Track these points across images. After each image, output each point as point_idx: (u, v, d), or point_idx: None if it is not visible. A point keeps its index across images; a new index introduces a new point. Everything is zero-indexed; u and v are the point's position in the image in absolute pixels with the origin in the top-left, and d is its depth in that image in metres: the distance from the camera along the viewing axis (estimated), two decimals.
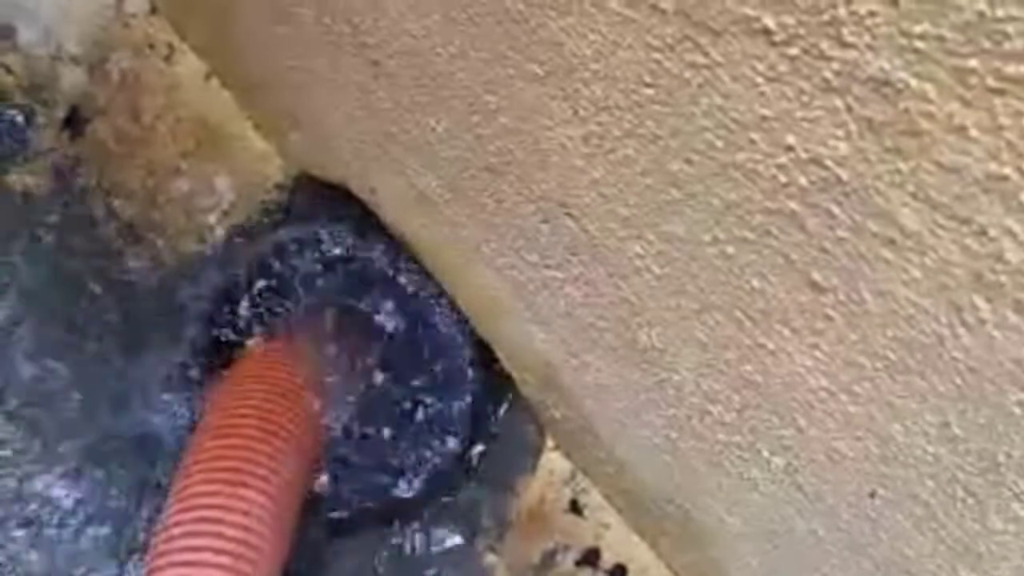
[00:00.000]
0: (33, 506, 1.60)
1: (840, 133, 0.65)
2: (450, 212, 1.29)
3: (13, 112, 1.69)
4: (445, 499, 1.66)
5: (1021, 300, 0.62)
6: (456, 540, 1.63)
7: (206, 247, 1.69)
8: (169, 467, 1.59)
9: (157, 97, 1.71)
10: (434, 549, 1.63)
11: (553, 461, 1.64)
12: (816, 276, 0.77)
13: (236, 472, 1.31)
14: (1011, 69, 0.52)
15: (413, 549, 1.63)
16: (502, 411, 1.68)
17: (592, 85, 0.84)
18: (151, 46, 1.71)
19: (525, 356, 1.42)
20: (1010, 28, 0.51)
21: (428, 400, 1.77)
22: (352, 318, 1.77)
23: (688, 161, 0.81)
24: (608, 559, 1.60)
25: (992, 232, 0.60)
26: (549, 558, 1.62)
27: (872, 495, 0.92)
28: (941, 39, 0.54)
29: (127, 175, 1.69)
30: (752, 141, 0.73)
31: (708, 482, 1.20)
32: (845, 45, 0.60)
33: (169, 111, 1.71)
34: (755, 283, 0.85)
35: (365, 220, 1.58)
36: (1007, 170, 0.56)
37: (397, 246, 1.52)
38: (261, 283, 1.71)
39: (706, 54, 0.70)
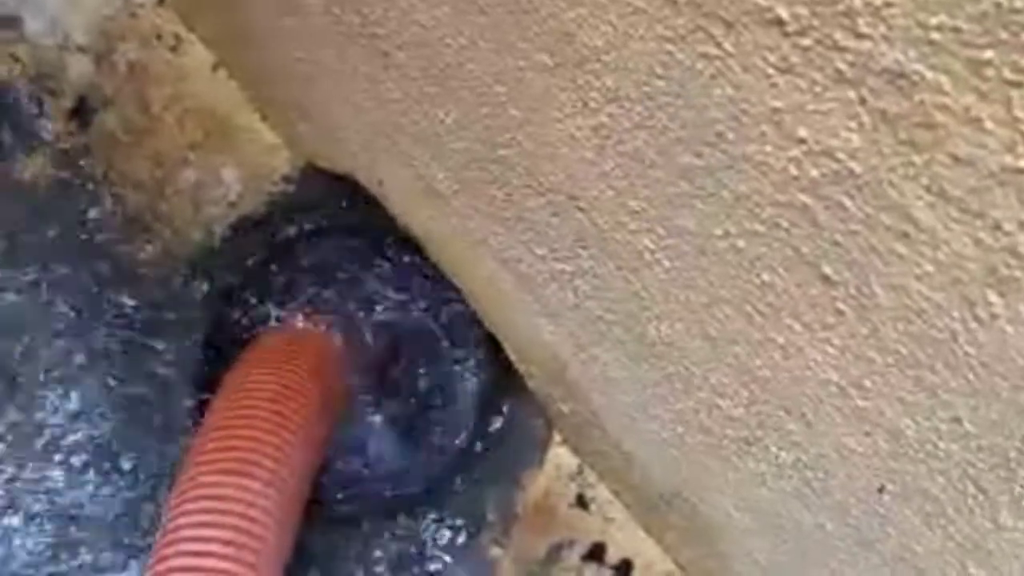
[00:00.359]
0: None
1: (853, 125, 0.65)
2: (458, 204, 1.28)
3: (21, 102, 1.69)
4: (451, 493, 1.66)
5: None
6: (461, 534, 1.63)
7: (213, 238, 1.69)
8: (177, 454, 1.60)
9: (164, 88, 1.70)
10: (439, 543, 1.63)
11: (560, 455, 1.64)
12: (827, 270, 0.77)
13: (243, 463, 1.31)
14: None
15: (418, 543, 1.63)
16: (509, 405, 1.68)
17: (603, 76, 0.84)
18: (159, 36, 1.71)
19: (533, 349, 1.42)
20: None
21: (435, 393, 1.77)
22: (359, 309, 1.77)
23: (698, 154, 0.81)
24: (614, 554, 1.60)
25: (1007, 226, 0.60)
26: (555, 552, 1.62)
27: (881, 490, 0.91)
28: (957, 30, 0.53)
29: (135, 166, 1.69)
30: (763, 133, 0.72)
31: (716, 477, 1.19)
32: (860, 36, 0.59)
33: (176, 102, 1.70)
34: (765, 277, 0.84)
35: (374, 213, 1.58)
36: (1023, 163, 0.56)
37: (404, 238, 1.52)
38: (268, 274, 1.71)
39: (718, 45, 0.70)
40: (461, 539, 1.63)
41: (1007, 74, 0.52)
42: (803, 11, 0.61)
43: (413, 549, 1.63)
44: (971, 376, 0.71)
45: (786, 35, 0.64)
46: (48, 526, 1.59)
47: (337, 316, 1.76)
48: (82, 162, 1.69)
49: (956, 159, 0.59)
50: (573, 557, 1.61)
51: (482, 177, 1.17)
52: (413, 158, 1.30)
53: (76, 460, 1.61)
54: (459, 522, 1.64)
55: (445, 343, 1.77)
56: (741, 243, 0.84)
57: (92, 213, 1.67)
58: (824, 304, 0.80)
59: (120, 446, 1.62)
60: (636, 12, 0.75)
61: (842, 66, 0.62)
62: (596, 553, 1.61)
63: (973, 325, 0.68)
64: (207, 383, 1.63)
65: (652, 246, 0.96)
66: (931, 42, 0.55)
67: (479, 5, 0.92)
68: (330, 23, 1.22)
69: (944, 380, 0.74)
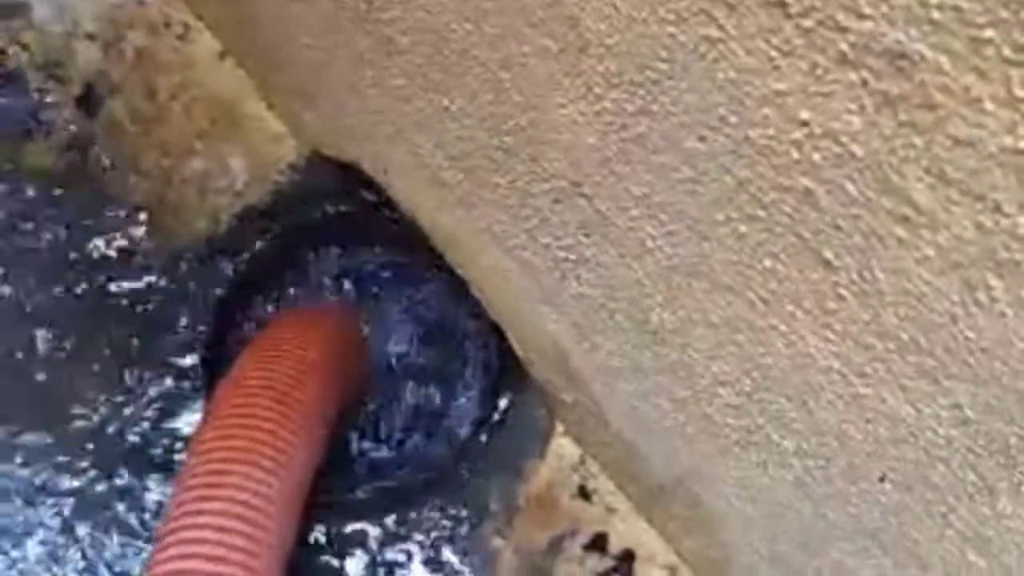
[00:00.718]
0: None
1: (854, 107, 0.65)
2: (462, 192, 1.28)
3: (28, 89, 1.69)
4: (453, 483, 1.66)
5: None
6: (464, 524, 1.63)
7: (219, 227, 1.69)
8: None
9: (172, 76, 1.71)
10: (441, 533, 1.63)
11: (562, 446, 1.64)
12: (828, 254, 0.77)
13: (247, 452, 1.31)
14: None
15: (420, 533, 1.63)
16: (511, 395, 1.68)
17: (606, 60, 0.84)
18: (166, 24, 1.71)
19: (536, 338, 1.42)
20: None
21: (437, 383, 1.77)
22: (364, 299, 1.78)
23: (701, 138, 0.81)
24: (616, 544, 1.60)
25: (1007, 208, 0.60)
26: (557, 543, 1.62)
27: (882, 479, 0.91)
28: (958, 9, 0.53)
29: (141, 154, 1.69)
30: (766, 116, 0.72)
31: (717, 466, 1.19)
32: (862, 16, 0.59)
33: (184, 90, 1.71)
34: (767, 263, 0.84)
35: (379, 201, 1.58)
36: (1023, 144, 0.56)
37: (409, 227, 1.52)
38: (274, 262, 1.72)
39: (721, 27, 0.70)
40: (463, 529, 1.63)
41: (1007, 52, 0.52)
42: None
43: (415, 539, 1.63)
44: (971, 361, 0.71)
45: (788, 16, 0.64)
46: None
47: (342, 304, 1.76)
48: (89, 150, 1.69)
49: (956, 140, 0.59)
50: (575, 548, 1.61)
51: (486, 164, 1.17)
52: (418, 146, 1.30)
53: None
54: (462, 512, 1.64)
55: (449, 332, 1.77)
56: (743, 228, 0.84)
57: (98, 201, 1.68)
58: (825, 290, 0.80)
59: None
60: None
61: (844, 47, 0.62)
62: (598, 543, 1.61)
63: (973, 309, 0.68)
64: (213, 372, 1.63)
65: (654, 232, 0.96)
66: (932, 21, 0.55)
67: None
68: (336, 9, 1.22)
69: (944, 365, 0.74)
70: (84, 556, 1.56)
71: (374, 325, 1.77)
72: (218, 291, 1.68)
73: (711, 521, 1.31)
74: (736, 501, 1.21)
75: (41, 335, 1.63)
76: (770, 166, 0.75)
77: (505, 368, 1.66)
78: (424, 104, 1.20)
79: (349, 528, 1.63)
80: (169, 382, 1.64)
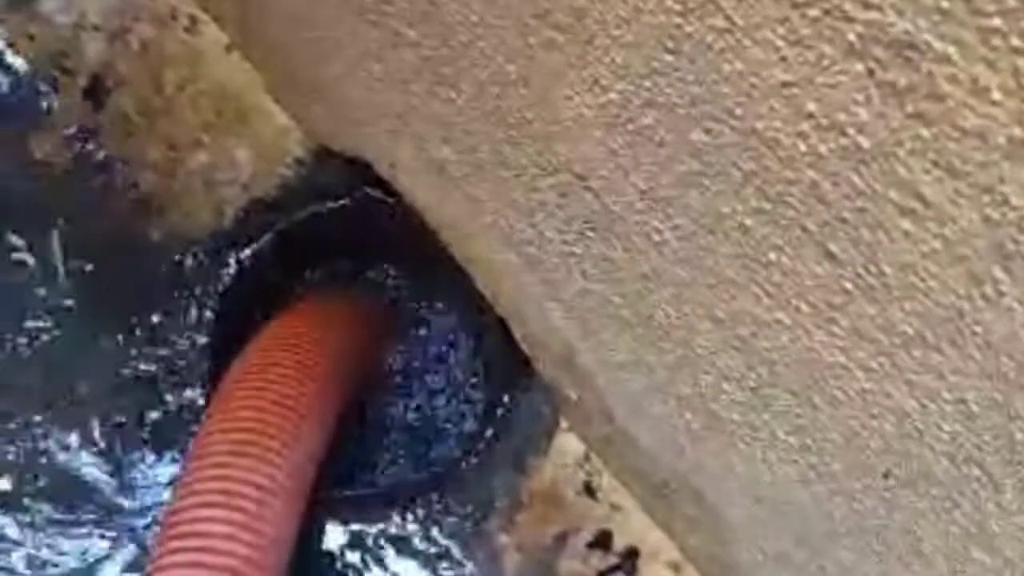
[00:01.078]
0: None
1: (861, 98, 0.64)
2: (468, 186, 1.28)
3: (35, 80, 1.69)
4: (458, 479, 1.66)
5: None
6: (468, 521, 1.63)
7: (225, 219, 1.69)
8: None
9: (179, 68, 1.70)
10: (446, 529, 1.63)
11: (567, 443, 1.64)
12: (834, 248, 0.76)
13: (251, 444, 1.31)
14: None
15: (425, 529, 1.63)
16: (516, 391, 1.67)
17: (612, 52, 0.84)
18: (173, 17, 1.71)
19: (542, 334, 1.42)
20: None
21: (442, 379, 1.77)
22: (370, 293, 1.78)
23: (707, 131, 0.80)
24: (620, 541, 1.60)
25: (1014, 201, 0.59)
26: (561, 540, 1.62)
27: (887, 475, 0.91)
28: None
29: (148, 146, 1.69)
30: (772, 108, 0.72)
31: (722, 462, 1.19)
32: (869, 6, 0.59)
33: (190, 83, 1.70)
34: (772, 256, 0.84)
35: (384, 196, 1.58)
36: None
37: (415, 221, 1.51)
38: (280, 255, 1.72)
39: (728, 17, 0.69)
40: (468, 526, 1.63)
41: (1015, 42, 0.52)
42: None
43: (420, 535, 1.63)
44: (977, 355, 0.71)
45: (795, 6, 0.64)
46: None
47: (348, 297, 1.76)
48: (96, 142, 1.69)
49: (964, 132, 0.59)
50: (579, 544, 1.61)
51: (492, 158, 1.17)
52: (424, 140, 1.30)
53: None
54: (466, 509, 1.64)
55: (455, 327, 1.77)
56: (749, 222, 0.84)
57: (104, 193, 1.68)
58: (831, 284, 0.80)
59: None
60: None
61: (851, 37, 0.62)
62: (602, 540, 1.60)
63: (980, 303, 0.68)
64: (218, 364, 1.63)
65: (660, 226, 0.96)
66: (940, 10, 0.54)
67: None
68: (343, 2, 1.22)
69: (950, 360, 0.74)
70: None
71: (376, 315, 1.76)
72: (223, 284, 1.68)
73: (715, 518, 1.30)
74: (740, 498, 1.21)
75: (45, 326, 1.63)
76: (776, 158, 0.75)
77: (510, 364, 1.65)
78: (430, 97, 1.20)
79: (351, 526, 1.63)
80: (174, 374, 1.64)
